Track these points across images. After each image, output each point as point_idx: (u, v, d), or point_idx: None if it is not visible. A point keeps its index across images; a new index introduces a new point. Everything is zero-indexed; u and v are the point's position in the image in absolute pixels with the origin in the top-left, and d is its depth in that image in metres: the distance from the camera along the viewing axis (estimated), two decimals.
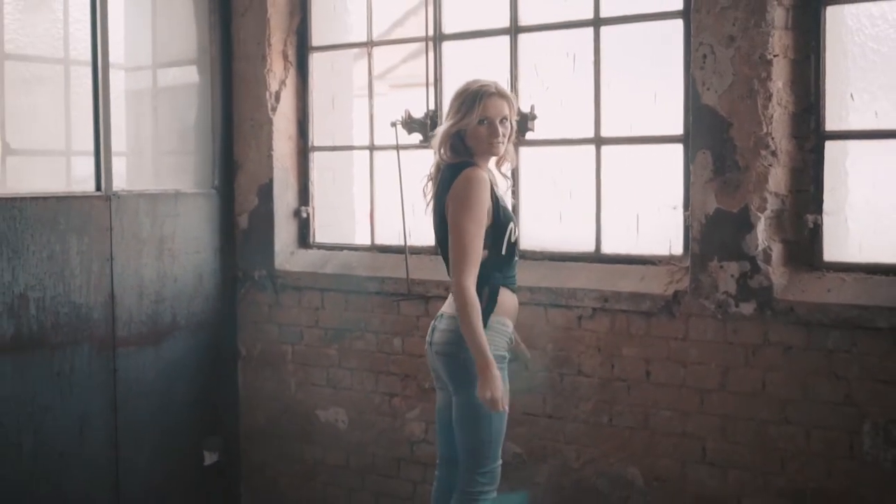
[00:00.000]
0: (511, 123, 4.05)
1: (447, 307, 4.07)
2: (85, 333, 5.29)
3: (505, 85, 4.14)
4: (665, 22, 4.57)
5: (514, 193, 4.99)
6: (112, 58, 5.76)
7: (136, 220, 5.48)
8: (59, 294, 5.18)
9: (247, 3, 5.72)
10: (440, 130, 4.06)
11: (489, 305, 3.96)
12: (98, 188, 5.39)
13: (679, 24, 4.49)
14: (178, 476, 5.69)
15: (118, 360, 5.42)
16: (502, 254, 4.00)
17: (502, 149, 4.03)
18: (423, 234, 5.04)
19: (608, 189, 4.77)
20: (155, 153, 5.93)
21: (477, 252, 3.87)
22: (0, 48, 5.60)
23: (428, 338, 4.13)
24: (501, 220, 3.97)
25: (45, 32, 5.72)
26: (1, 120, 5.53)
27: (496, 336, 3.96)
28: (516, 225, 4.14)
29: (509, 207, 4.13)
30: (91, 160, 5.42)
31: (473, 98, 3.98)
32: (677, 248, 4.58)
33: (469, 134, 3.99)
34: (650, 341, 4.54)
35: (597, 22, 4.74)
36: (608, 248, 4.79)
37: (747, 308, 4.26)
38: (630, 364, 4.59)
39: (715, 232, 4.33)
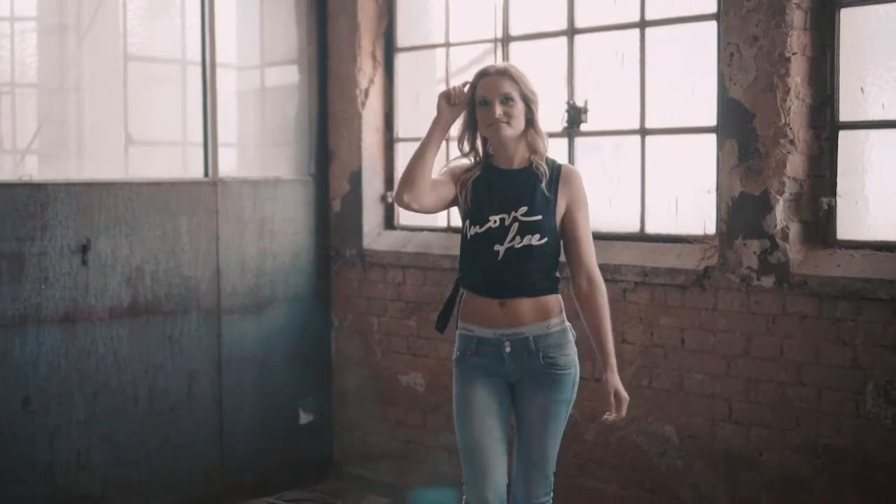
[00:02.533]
0: (524, 103, 3.84)
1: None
2: (193, 303, 6.00)
3: (514, 66, 3.91)
4: (701, 23, 5.05)
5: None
6: (225, 59, 6.52)
7: (239, 204, 6.17)
8: (170, 268, 5.90)
9: (340, 9, 6.36)
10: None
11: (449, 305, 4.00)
12: (206, 175, 6.10)
13: (713, 25, 4.96)
14: (276, 432, 6.36)
15: (223, 326, 6.12)
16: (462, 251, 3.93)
17: (506, 130, 3.80)
18: None
19: (651, 175, 5.27)
20: (261, 144, 6.62)
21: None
22: (124, 51, 6.37)
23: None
24: (462, 213, 3.91)
25: (164, 36, 6.47)
26: (124, 114, 6.30)
27: (458, 338, 3.96)
28: (479, 221, 3.84)
29: (500, 198, 3.85)
30: (201, 150, 6.13)
31: (474, 80, 3.88)
32: (710, 228, 5.05)
33: (478, 122, 3.87)
34: (684, 312, 5.03)
35: (642, 24, 5.25)
36: (651, 229, 5.30)
37: (767, 281, 4.73)
38: (667, 332, 5.10)
39: (740, 213, 4.81)
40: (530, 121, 3.89)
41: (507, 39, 5.80)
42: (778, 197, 4.68)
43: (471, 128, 3.93)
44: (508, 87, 3.81)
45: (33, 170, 6.15)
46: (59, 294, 5.53)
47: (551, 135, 5.39)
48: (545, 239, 3.84)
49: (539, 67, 5.57)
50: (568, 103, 5.50)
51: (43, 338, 5.49)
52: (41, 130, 6.29)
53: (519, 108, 3.83)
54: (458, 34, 6.08)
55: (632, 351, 5.22)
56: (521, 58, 5.73)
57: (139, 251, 5.79)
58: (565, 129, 5.51)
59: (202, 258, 6.02)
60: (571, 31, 5.52)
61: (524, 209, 3.83)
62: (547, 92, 5.33)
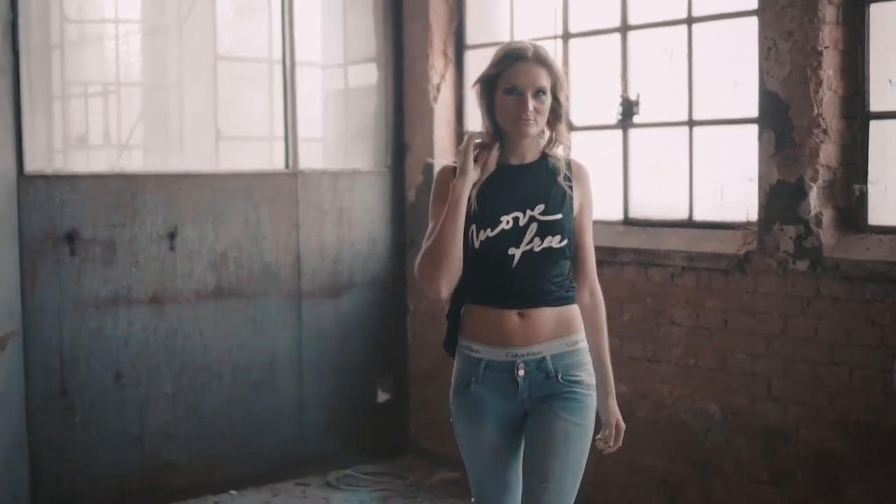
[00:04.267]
0: (557, 99, 3.36)
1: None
2: (274, 286, 6.42)
3: (546, 50, 3.39)
4: (743, 19, 5.26)
5: (624, 170, 5.79)
6: (311, 58, 6.95)
7: (319, 194, 6.57)
8: (253, 254, 6.33)
9: (415, 12, 6.72)
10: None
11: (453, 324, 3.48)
12: (287, 166, 6.51)
13: (754, 20, 5.18)
14: (354, 410, 6.74)
15: (303, 309, 6.52)
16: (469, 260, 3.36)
17: (532, 129, 3.33)
18: None
19: (698, 164, 5.51)
20: (343, 138, 7.01)
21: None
22: (214, 51, 6.84)
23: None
24: (467, 217, 3.35)
25: (252, 37, 6.92)
26: (214, 111, 6.76)
27: (458, 361, 3.49)
28: (489, 224, 3.34)
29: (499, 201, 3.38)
30: (283, 144, 6.56)
31: (502, 60, 3.34)
32: (753, 215, 5.27)
33: (496, 107, 3.35)
34: (727, 295, 5.26)
35: (689, 20, 5.49)
36: (698, 216, 5.53)
37: (802, 265, 4.94)
38: (711, 314, 5.33)
39: (777, 200, 5.02)
40: (556, 112, 3.39)
41: (566, 36, 6.08)
42: (812, 184, 4.89)
43: (487, 114, 3.41)
44: (544, 80, 3.31)
45: (138, 162, 6.66)
46: (149, 277, 6.00)
47: (606, 127, 5.73)
48: (565, 241, 3.37)
49: (594, 62, 5.88)
50: (622, 97, 5.76)
51: (133, 317, 5.96)
52: (145, 126, 6.80)
53: (548, 102, 3.33)
54: (522, 32, 6.38)
55: (679, 332, 5.46)
56: (578, 53, 6.01)
57: (223, 238, 6.22)
58: (619, 121, 5.77)
59: (283, 245, 6.43)
60: (625, 28, 5.77)
61: (541, 207, 3.36)
62: (601, 86, 5.66)
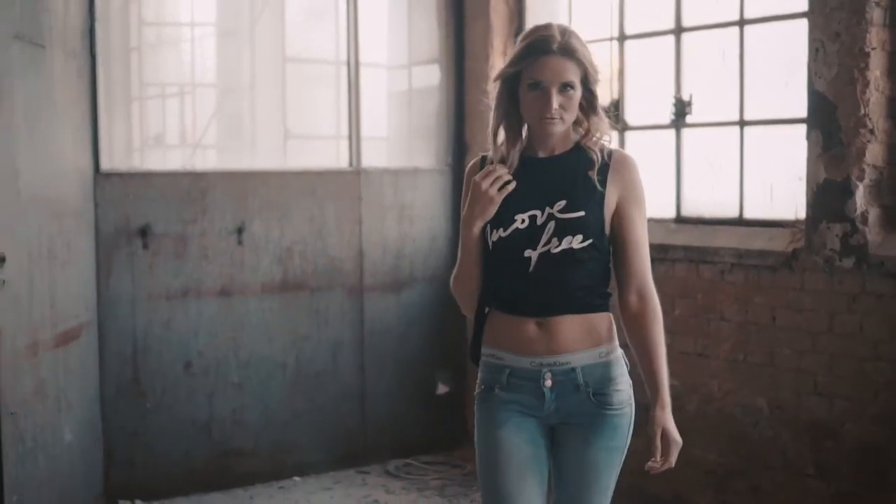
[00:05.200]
0: (589, 90, 3.10)
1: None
2: (338, 280, 6.64)
3: (576, 36, 3.12)
4: (794, 21, 5.38)
5: (677, 169, 5.92)
6: (377, 60, 7.16)
7: (381, 191, 6.77)
8: (317, 248, 6.56)
9: (476, 13, 6.90)
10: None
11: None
12: (351, 165, 6.73)
13: (804, 22, 5.29)
14: (414, 400, 6.94)
15: (365, 302, 6.74)
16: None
17: (558, 126, 3.07)
18: None
19: (749, 163, 5.63)
20: (407, 137, 7.21)
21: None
22: (283, 53, 7.08)
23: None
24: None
25: (320, 40, 7.15)
26: (283, 111, 7.01)
27: (482, 369, 3.29)
28: (502, 222, 3.10)
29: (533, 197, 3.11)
30: (347, 143, 6.78)
31: (524, 54, 3.08)
32: (801, 214, 5.38)
33: (521, 102, 3.10)
34: (775, 291, 5.38)
35: (742, 22, 5.61)
36: (748, 214, 5.65)
37: (848, 263, 5.04)
38: (759, 311, 5.45)
39: (824, 198, 5.13)
40: (590, 104, 3.13)
41: (622, 37, 6.22)
42: (858, 183, 4.99)
43: (508, 111, 3.16)
44: (571, 74, 3.04)
45: (211, 160, 6.94)
46: (217, 270, 6.25)
47: (659, 127, 5.86)
48: (589, 240, 3.08)
49: (649, 63, 6.02)
50: (675, 97, 5.89)
51: (202, 309, 6.21)
52: (218, 125, 7.07)
53: (577, 96, 3.06)
54: (580, 33, 6.52)
55: (728, 328, 5.58)
56: (634, 54, 6.15)
57: (289, 233, 6.45)
58: (672, 121, 5.91)
59: (346, 240, 6.64)
60: (679, 30, 5.90)
61: (562, 203, 3.08)
62: (656, 86, 5.80)
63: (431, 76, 7.16)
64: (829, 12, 5.06)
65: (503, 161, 3.15)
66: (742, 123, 5.64)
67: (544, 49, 3.06)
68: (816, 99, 5.14)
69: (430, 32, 7.13)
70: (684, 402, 5.76)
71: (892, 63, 4.99)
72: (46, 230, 5.19)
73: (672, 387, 5.23)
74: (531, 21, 6.83)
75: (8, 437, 4.73)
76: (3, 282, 4.68)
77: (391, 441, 6.82)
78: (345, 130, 6.90)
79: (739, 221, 5.68)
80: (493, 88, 3.18)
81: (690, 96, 5.83)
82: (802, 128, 5.30)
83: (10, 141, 4.78)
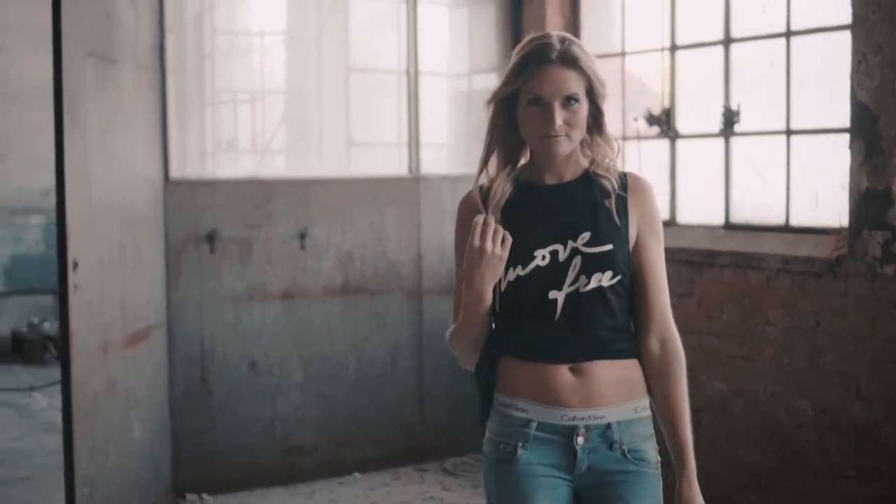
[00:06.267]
0: (596, 104, 2.78)
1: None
2: (397, 284, 6.87)
3: (578, 44, 2.81)
4: (838, 33, 5.49)
5: (725, 177, 6.06)
6: (438, 68, 7.38)
7: (439, 197, 6.98)
8: (377, 253, 6.79)
9: (532, 24, 7.07)
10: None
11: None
12: (410, 171, 6.95)
13: (847, 34, 5.40)
14: (471, 401, 7.09)
15: (424, 305, 6.96)
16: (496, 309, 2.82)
17: (564, 146, 2.73)
18: None
19: (795, 171, 5.75)
20: (466, 143, 7.40)
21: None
22: (346, 62, 7.33)
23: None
24: None
25: (382, 49, 7.37)
26: (346, 119, 7.26)
27: (495, 424, 2.92)
28: (520, 260, 2.76)
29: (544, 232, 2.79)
30: (406, 150, 7.01)
31: (521, 67, 2.77)
32: (845, 221, 5.49)
33: (520, 121, 2.79)
34: (819, 297, 5.49)
35: (788, 34, 5.74)
36: (794, 220, 5.77)
37: (889, 269, 5.15)
38: (804, 316, 5.57)
39: (866, 207, 5.24)
40: (596, 121, 2.80)
41: (673, 48, 6.37)
42: None
43: (505, 136, 2.86)
44: (575, 85, 2.73)
45: (280, 166, 7.21)
46: (281, 274, 6.51)
47: (708, 135, 6.01)
48: (619, 277, 2.76)
49: (699, 73, 6.17)
50: (724, 106, 6.02)
51: (267, 311, 6.48)
52: (287, 132, 7.35)
53: (584, 110, 2.74)
54: (632, 43, 6.69)
55: (773, 332, 5.71)
56: (685, 64, 6.30)
57: (350, 238, 6.70)
58: (721, 130, 6.04)
59: (405, 245, 6.87)
60: (727, 41, 6.04)
61: (586, 236, 2.75)
62: (705, 96, 5.95)
63: (490, 85, 7.34)
64: (871, 25, 5.17)
65: (488, 193, 2.83)
66: (788, 132, 5.76)
67: (543, 59, 2.73)
68: (858, 109, 5.25)
69: (488, 43, 7.33)
70: (730, 405, 5.89)
71: None
72: (117, 237, 5.48)
73: (719, 390, 5.40)
74: (587, 32, 7.01)
75: (79, 433, 5.02)
76: (76, 286, 4.97)
77: (449, 440, 7.03)
78: (405, 138, 7.11)
79: (785, 228, 5.80)
80: (486, 111, 2.88)
81: (738, 105, 5.96)
82: (846, 137, 5.41)
83: (84, 153, 5.07)
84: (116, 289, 5.47)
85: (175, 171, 6.22)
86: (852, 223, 5.34)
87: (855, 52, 5.26)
